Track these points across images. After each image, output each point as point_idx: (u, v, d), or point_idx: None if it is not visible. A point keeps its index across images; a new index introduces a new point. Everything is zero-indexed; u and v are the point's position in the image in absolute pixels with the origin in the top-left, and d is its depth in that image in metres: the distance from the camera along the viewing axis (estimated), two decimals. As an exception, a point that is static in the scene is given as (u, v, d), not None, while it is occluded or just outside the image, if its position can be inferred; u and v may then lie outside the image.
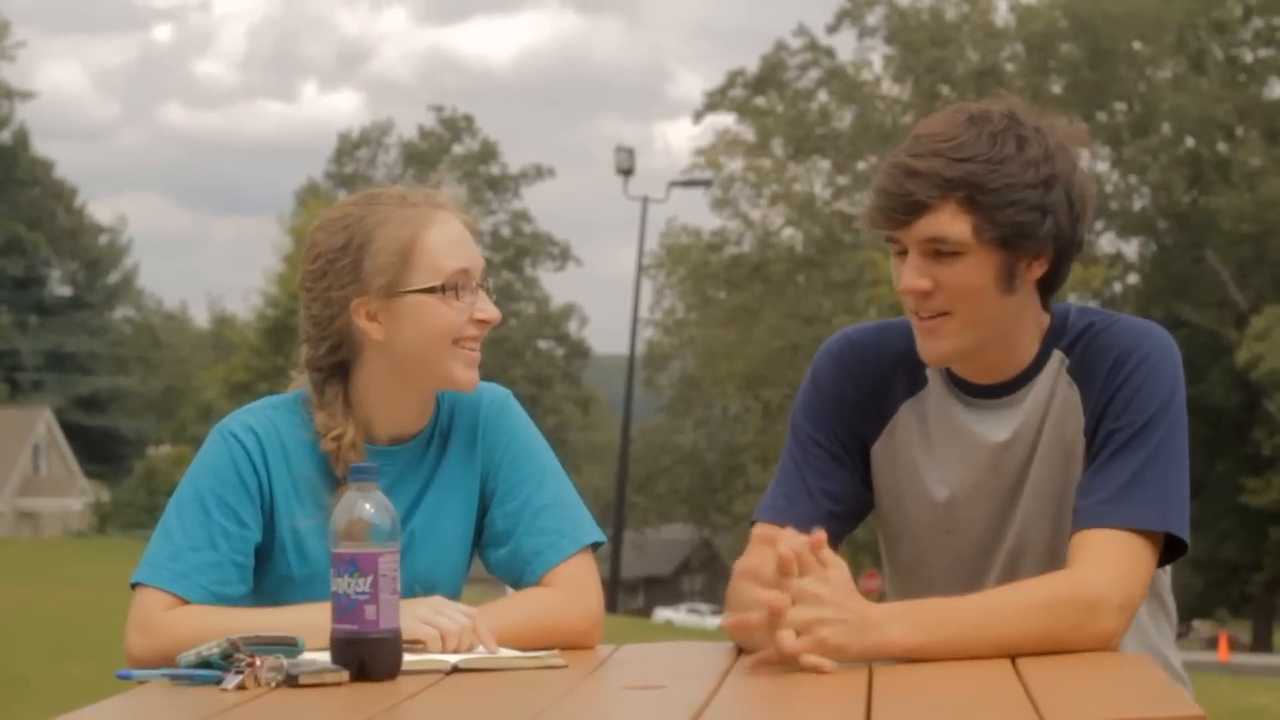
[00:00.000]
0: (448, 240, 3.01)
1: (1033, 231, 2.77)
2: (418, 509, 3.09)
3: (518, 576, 3.10)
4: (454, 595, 3.13)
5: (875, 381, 3.00)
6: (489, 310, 3.02)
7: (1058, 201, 2.78)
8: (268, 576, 3.03)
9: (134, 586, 2.95)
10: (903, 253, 2.83)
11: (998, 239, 2.77)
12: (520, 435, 3.16)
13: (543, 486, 3.12)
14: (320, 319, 3.03)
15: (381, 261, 2.98)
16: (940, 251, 2.78)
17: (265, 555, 3.03)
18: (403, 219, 3.00)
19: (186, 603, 2.92)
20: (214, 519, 2.96)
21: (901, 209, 2.77)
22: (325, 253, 3.02)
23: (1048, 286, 2.88)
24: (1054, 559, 2.87)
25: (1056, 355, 2.90)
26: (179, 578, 2.92)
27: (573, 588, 3.05)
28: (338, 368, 3.05)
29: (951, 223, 2.76)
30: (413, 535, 3.06)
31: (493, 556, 3.14)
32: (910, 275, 2.81)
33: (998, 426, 2.91)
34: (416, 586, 3.02)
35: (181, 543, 2.95)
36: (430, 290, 2.98)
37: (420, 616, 2.78)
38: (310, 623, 2.72)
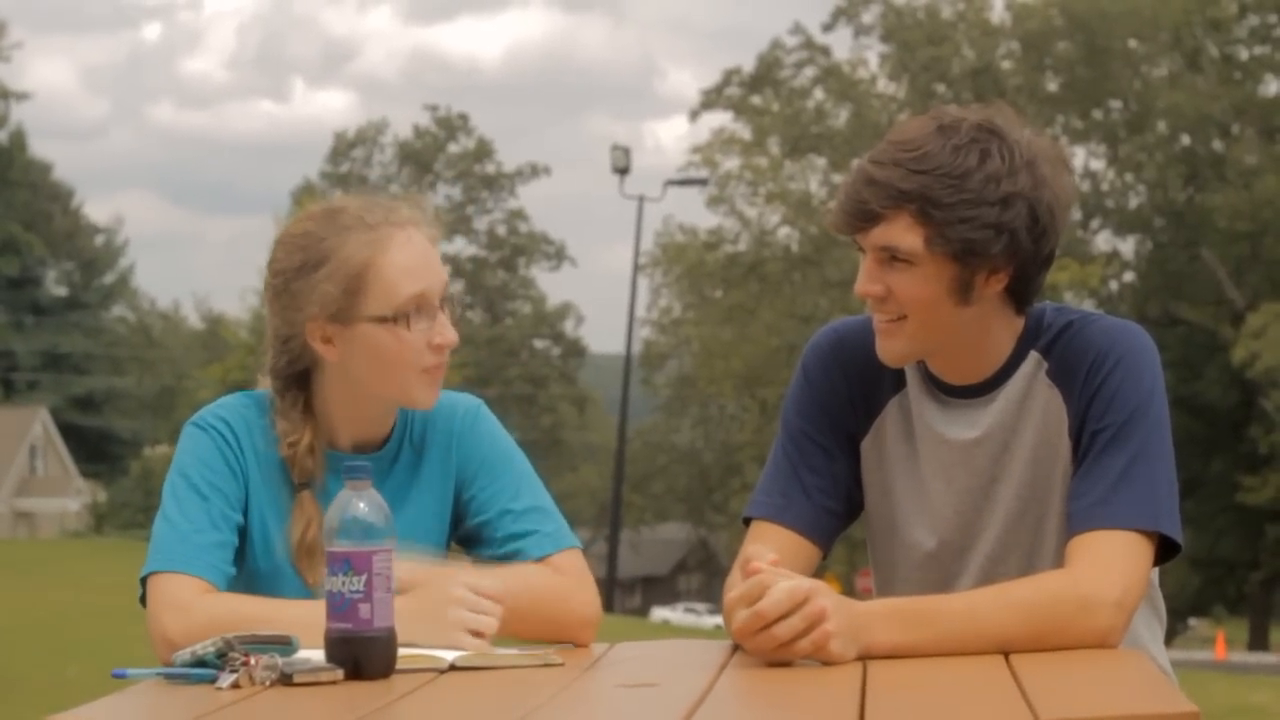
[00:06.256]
0: (404, 264, 2.97)
1: (985, 248, 2.78)
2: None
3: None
4: None
5: (864, 376, 3.00)
6: (446, 335, 3.00)
7: (1016, 219, 2.77)
8: (240, 567, 3.03)
9: (146, 579, 2.93)
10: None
11: (950, 253, 2.78)
12: (496, 446, 3.15)
13: (519, 495, 3.12)
14: (279, 334, 3.04)
15: (333, 286, 2.96)
16: (894, 259, 2.80)
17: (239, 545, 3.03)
18: (359, 242, 2.97)
19: (209, 584, 2.91)
20: (212, 502, 2.97)
21: (858, 216, 2.80)
22: (283, 271, 3.02)
23: (1018, 294, 2.88)
24: (1034, 564, 2.88)
25: (1033, 357, 2.90)
26: (191, 560, 2.92)
27: (575, 577, 3.06)
28: (298, 376, 3.06)
29: (904, 234, 2.78)
30: None
31: (480, 554, 3.14)
32: (864, 280, 2.85)
33: (969, 425, 2.92)
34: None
35: (185, 528, 2.95)
36: (381, 320, 2.96)
37: (464, 622, 2.78)
38: None
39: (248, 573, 3.03)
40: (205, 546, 2.94)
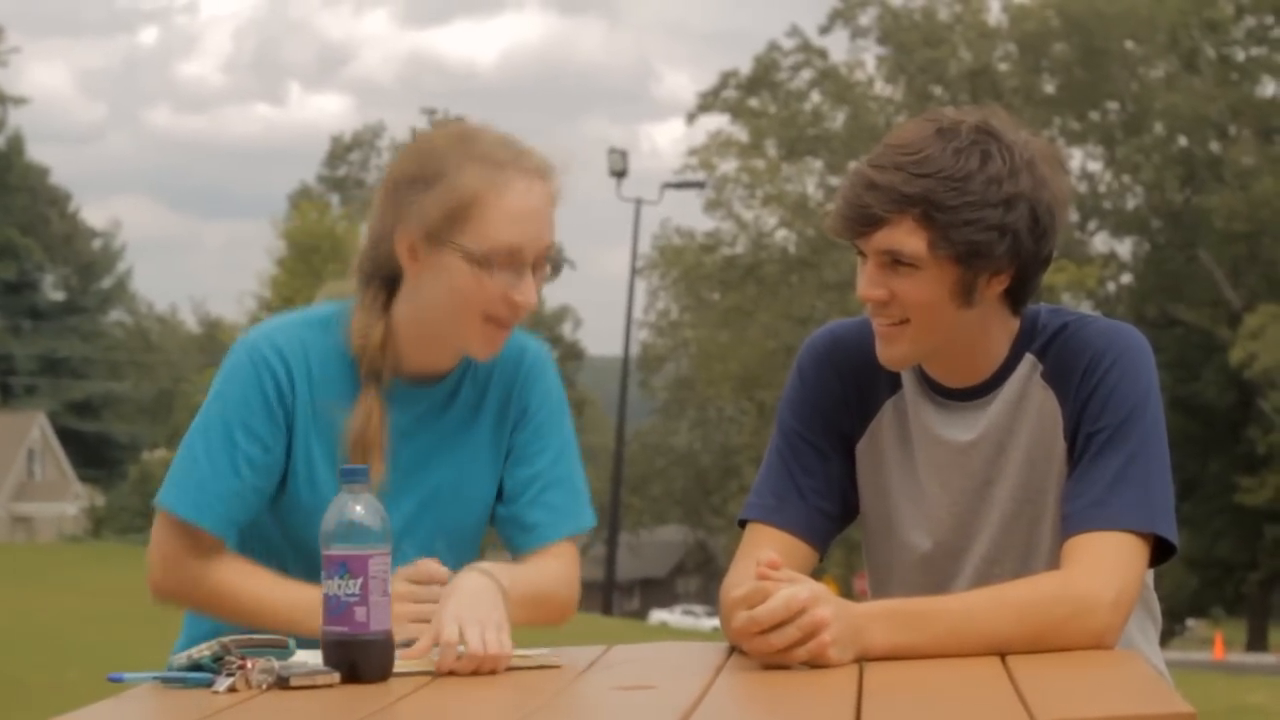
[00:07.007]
0: (513, 211, 2.92)
1: (989, 250, 2.77)
2: (444, 462, 3.09)
3: (510, 537, 3.13)
4: (472, 552, 3.14)
5: (859, 377, 3.00)
6: (526, 295, 2.95)
7: (1019, 220, 2.77)
8: (280, 501, 3.04)
9: (157, 506, 3.00)
10: (865, 257, 2.84)
11: (953, 256, 2.76)
12: (551, 401, 3.15)
13: (558, 461, 3.13)
14: (376, 234, 3.03)
15: (437, 205, 2.93)
16: (897, 263, 2.79)
17: (280, 479, 3.04)
18: (478, 174, 2.93)
19: (213, 536, 2.96)
20: (239, 447, 2.97)
21: (859, 220, 2.78)
22: (397, 176, 3.00)
23: (1016, 296, 2.87)
24: (1029, 566, 2.88)
25: (1028, 359, 2.90)
26: (200, 507, 2.96)
27: (567, 565, 3.09)
28: (383, 279, 3.03)
29: (907, 237, 2.76)
30: (438, 491, 3.08)
31: (496, 510, 3.16)
32: (866, 285, 2.83)
33: (965, 428, 2.92)
34: (438, 541, 3.06)
35: (206, 470, 2.97)
36: (469, 256, 2.93)
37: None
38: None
39: (290, 505, 3.04)
40: (221, 495, 2.97)
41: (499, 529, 3.16)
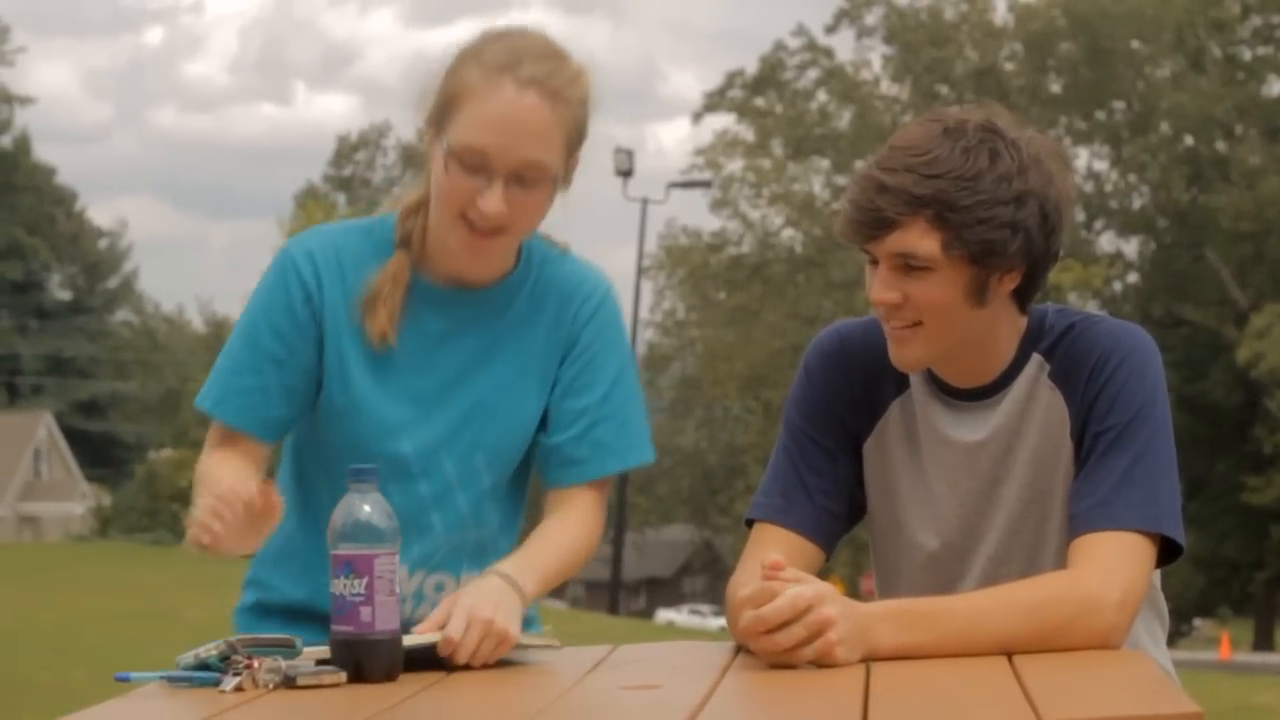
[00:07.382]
0: (487, 115, 2.89)
1: (1003, 248, 2.77)
2: (490, 373, 3.07)
3: (550, 469, 3.10)
4: (507, 476, 3.12)
5: (866, 377, 3.00)
6: (488, 203, 2.91)
7: (1029, 217, 2.77)
8: (317, 404, 3.05)
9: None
10: (875, 262, 2.83)
11: (967, 256, 2.76)
12: (605, 336, 3.12)
13: (609, 396, 3.09)
14: None
15: (436, 95, 2.97)
16: (910, 266, 2.79)
17: (317, 380, 3.04)
18: (474, 73, 2.92)
19: (231, 428, 3.01)
20: (260, 344, 3.01)
21: (871, 224, 2.77)
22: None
23: (1024, 294, 2.88)
24: (1036, 566, 2.88)
25: (1036, 359, 2.90)
26: (219, 401, 3.03)
27: (592, 516, 3.08)
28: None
29: (920, 239, 2.76)
30: (481, 403, 3.06)
31: (541, 439, 3.12)
32: (879, 289, 2.82)
33: (973, 428, 2.91)
34: (477, 456, 3.05)
35: (227, 366, 3.04)
36: (443, 150, 2.93)
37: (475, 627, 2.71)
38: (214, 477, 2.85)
39: (326, 407, 3.04)
40: (239, 389, 3.02)
41: (540, 458, 3.11)
